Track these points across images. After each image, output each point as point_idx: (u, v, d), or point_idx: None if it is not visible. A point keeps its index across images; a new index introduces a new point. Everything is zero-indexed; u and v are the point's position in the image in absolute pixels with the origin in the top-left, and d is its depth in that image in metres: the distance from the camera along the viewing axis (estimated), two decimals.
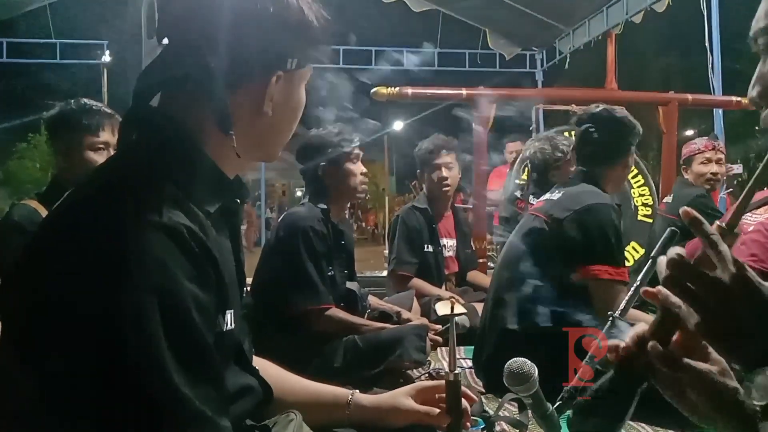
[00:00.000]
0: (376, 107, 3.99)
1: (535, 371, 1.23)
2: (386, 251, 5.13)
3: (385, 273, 3.85)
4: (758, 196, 2.58)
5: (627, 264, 2.33)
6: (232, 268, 0.88)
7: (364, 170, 2.41)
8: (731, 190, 4.53)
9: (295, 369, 1.21)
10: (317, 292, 2.21)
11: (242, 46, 0.83)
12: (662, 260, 0.75)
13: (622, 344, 0.81)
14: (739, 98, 4.32)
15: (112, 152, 1.91)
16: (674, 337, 0.77)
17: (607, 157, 2.23)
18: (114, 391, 0.65)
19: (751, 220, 2.42)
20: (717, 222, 0.74)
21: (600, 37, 6.20)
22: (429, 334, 2.29)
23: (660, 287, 0.75)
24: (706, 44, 4.71)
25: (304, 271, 2.20)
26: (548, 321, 2.06)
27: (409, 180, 13.28)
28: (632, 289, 1.51)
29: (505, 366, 1.23)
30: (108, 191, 0.75)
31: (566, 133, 4.64)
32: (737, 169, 4.69)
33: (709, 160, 3.50)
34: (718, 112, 4.62)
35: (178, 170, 0.79)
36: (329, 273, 2.28)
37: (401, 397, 1.17)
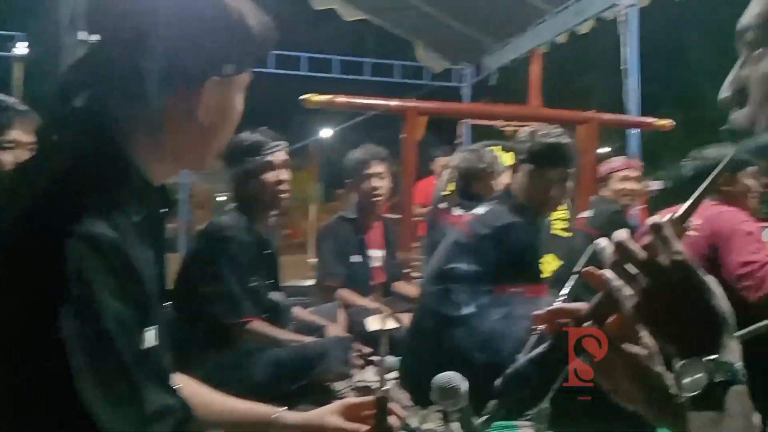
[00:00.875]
0: (304, 114, 3.95)
1: (464, 385, 1.22)
2: (312, 260, 5.05)
3: (310, 282, 3.78)
4: (673, 210, 2.71)
5: (543, 276, 2.39)
6: (156, 282, 0.83)
7: (288, 177, 2.35)
8: (645, 206, 4.76)
9: (217, 384, 1.17)
10: (238, 304, 2.13)
11: (178, 48, 0.79)
12: (607, 244, 0.76)
13: (561, 319, 0.82)
14: (653, 119, 4.56)
15: (23, 152, 1.77)
16: (609, 320, 0.79)
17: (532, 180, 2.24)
18: (31, 406, 0.63)
19: None
20: (670, 215, 0.76)
21: (526, 55, 6.42)
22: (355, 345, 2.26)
23: (604, 270, 0.76)
24: (624, 67, 4.94)
25: (224, 283, 2.12)
26: (471, 333, 2.09)
27: (336, 188, 13.25)
28: (556, 303, 1.54)
29: (432, 380, 1.22)
30: (25, 199, 0.70)
31: (494, 148, 4.75)
32: (656, 186, 4.94)
33: (626, 178, 3.66)
34: (634, 133, 4.85)
35: (100, 176, 0.75)
36: (252, 284, 2.21)
37: (328, 415, 1.14)
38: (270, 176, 2.28)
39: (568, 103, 6.98)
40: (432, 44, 7.39)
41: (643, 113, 4.91)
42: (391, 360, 2.37)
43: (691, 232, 2.41)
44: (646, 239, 0.73)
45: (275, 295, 2.36)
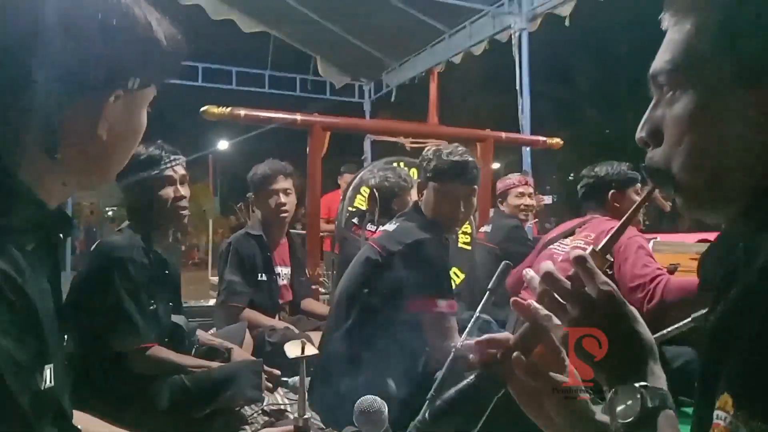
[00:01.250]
0: (200, 126, 3.83)
1: (386, 408, 1.21)
2: (211, 278, 4.87)
3: (211, 302, 3.64)
4: (568, 224, 2.88)
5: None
6: (53, 316, 0.76)
7: (187, 193, 2.25)
8: (536, 220, 5.02)
9: (117, 415, 1.10)
10: (136, 330, 1.99)
11: (78, 59, 0.72)
12: (531, 275, 0.80)
13: (488, 350, 0.84)
14: (544, 138, 4.82)
15: None
16: (536, 349, 0.81)
17: (440, 197, 2.27)
18: None
19: (559, 249, 2.68)
20: (592, 246, 0.80)
21: (424, 74, 6.60)
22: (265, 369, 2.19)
23: (531, 301, 0.79)
24: (517, 87, 5.20)
25: (120, 308, 1.97)
26: (383, 350, 2.10)
27: (233, 201, 12.93)
28: (473, 319, 1.58)
29: (355, 405, 1.20)
30: None
31: (396, 164, 4.82)
32: (548, 200, 5.22)
33: (522, 194, 3.84)
34: (527, 150, 5.11)
35: None
36: (151, 307, 2.08)
37: None
38: (168, 192, 2.16)
39: (464, 120, 7.24)
40: (332, 59, 7.43)
41: (532, 130, 5.19)
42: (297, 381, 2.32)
43: (583, 246, 2.57)
44: (572, 271, 0.76)
45: (177, 318, 2.24)
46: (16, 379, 0.62)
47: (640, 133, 0.74)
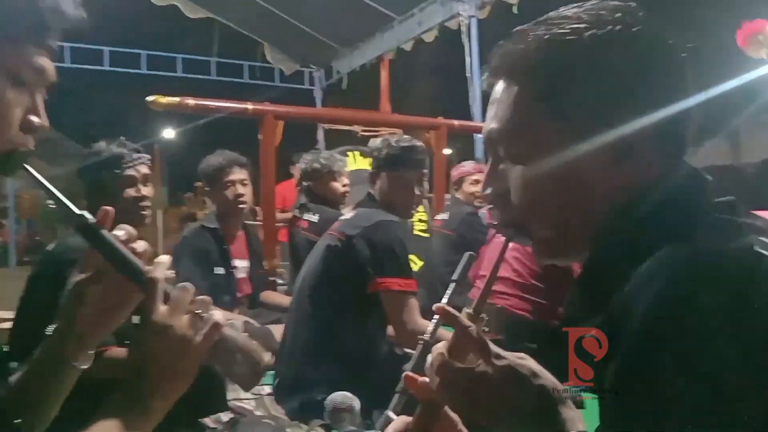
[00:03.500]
0: (147, 114, 3.72)
1: (358, 404, 1.22)
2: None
3: None
4: None
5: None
6: None
7: (150, 193, 2.19)
8: (491, 206, 5.09)
9: (76, 422, 1.06)
10: None
11: None
12: (430, 359, 0.78)
13: None
14: None
15: None
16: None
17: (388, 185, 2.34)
18: None
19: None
20: (465, 309, 0.80)
21: (375, 61, 6.57)
22: None
23: (425, 385, 0.78)
24: (468, 74, 5.24)
25: None
26: (349, 338, 2.12)
27: (182, 191, 12.62)
28: (435, 319, 1.60)
29: (326, 402, 1.21)
30: None
31: (350, 153, 4.81)
32: None
33: (477, 181, 3.89)
34: (479, 137, 5.17)
35: None
36: None
37: None
38: (130, 192, 2.11)
39: (416, 107, 7.26)
40: (281, 45, 7.31)
41: (484, 117, 5.24)
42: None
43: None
44: (452, 343, 0.77)
45: (134, 318, 2.18)
46: None
47: (485, 191, 0.78)
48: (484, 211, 4.71)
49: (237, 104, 3.94)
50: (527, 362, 0.76)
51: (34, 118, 0.76)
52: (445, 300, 1.53)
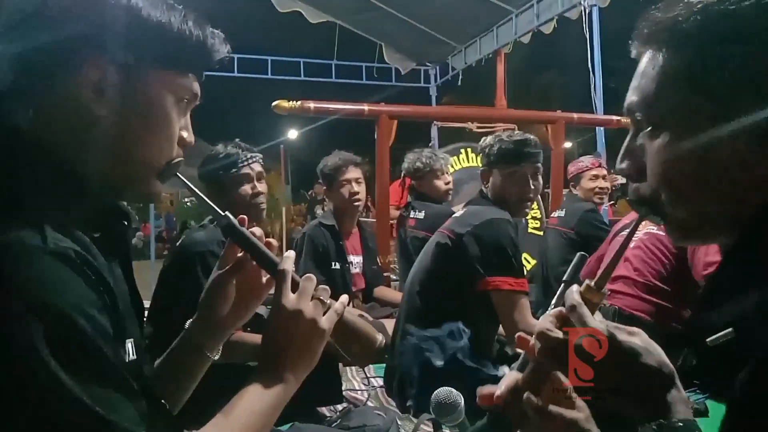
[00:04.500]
0: (273, 116, 3.92)
1: (462, 400, 1.23)
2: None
3: None
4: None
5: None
6: (127, 297, 0.82)
7: (265, 189, 2.33)
8: (613, 202, 4.87)
9: (201, 401, 1.10)
10: None
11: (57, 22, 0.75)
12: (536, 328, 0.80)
13: (497, 392, 0.84)
14: (618, 117, 4.66)
15: None
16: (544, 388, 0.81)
17: (500, 182, 2.29)
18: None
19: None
20: (587, 281, 0.80)
21: (491, 56, 6.50)
22: None
23: (533, 347, 0.80)
24: (589, 65, 5.04)
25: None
26: (457, 336, 2.11)
27: (305, 189, 13.20)
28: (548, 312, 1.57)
29: (432, 396, 1.23)
30: None
31: (463, 150, 4.79)
32: (621, 179, 5.05)
33: (596, 177, 3.73)
34: (600, 130, 4.96)
35: (53, 194, 0.73)
36: None
37: None
38: (246, 189, 2.26)
39: (534, 101, 7.08)
40: (397, 45, 7.43)
41: (608, 108, 5.02)
42: None
43: (657, 232, 2.49)
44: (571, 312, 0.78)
45: (258, 309, 2.33)
46: (110, 348, 0.66)
47: (621, 164, 0.74)
48: (605, 208, 4.52)
49: (354, 105, 4.06)
50: (635, 338, 0.76)
51: (185, 134, 0.87)
52: (554, 301, 1.50)
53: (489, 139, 2.38)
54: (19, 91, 0.76)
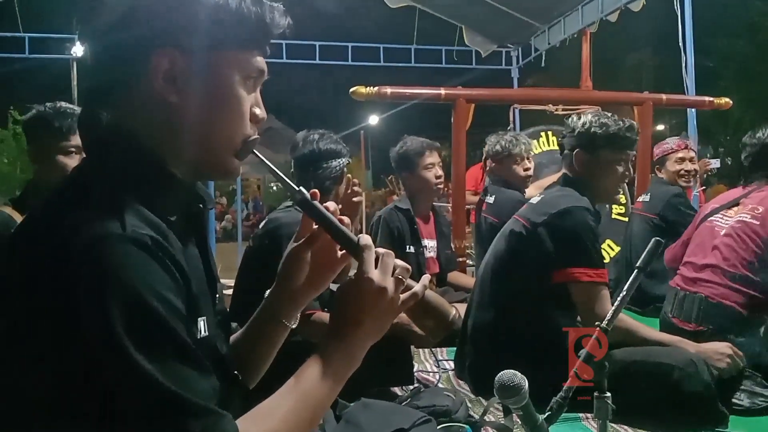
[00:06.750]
0: (353, 103, 3.98)
1: (525, 383, 1.23)
2: None
3: None
4: (731, 194, 2.64)
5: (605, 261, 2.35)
6: (202, 276, 0.87)
7: (359, 182, 2.40)
8: (705, 187, 4.61)
9: (279, 378, 1.20)
10: None
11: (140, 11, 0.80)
12: None
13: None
14: (711, 98, 4.41)
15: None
16: None
17: (590, 167, 2.19)
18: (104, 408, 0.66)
19: (722, 222, 2.48)
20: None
21: (575, 35, 6.28)
22: None
23: None
24: (680, 44, 4.78)
25: None
26: (531, 324, 2.08)
27: (385, 174, 13.29)
28: (618, 299, 1.53)
29: (496, 378, 1.23)
30: (71, 207, 0.73)
31: (543, 134, 4.68)
32: (715, 163, 4.79)
33: (682, 159, 3.56)
34: (692, 111, 4.70)
35: (134, 181, 0.78)
36: None
37: None
38: (340, 189, 2.34)
39: (621, 82, 6.79)
40: (478, 27, 7.30)
41: (700, 89, 4.75)
42: None
43: (749, 220, 2.36)
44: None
45: (334, 286, 2.40)
46: (182, 327, 0.71)
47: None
48: (696, 193, 4.30)
49: (430, 90, 4.06)
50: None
51: (257, 110, 0.89)
52: (626, 286, 1.46)
53: (574, 119, 2.25)
54: (102, 84, 0.83)
